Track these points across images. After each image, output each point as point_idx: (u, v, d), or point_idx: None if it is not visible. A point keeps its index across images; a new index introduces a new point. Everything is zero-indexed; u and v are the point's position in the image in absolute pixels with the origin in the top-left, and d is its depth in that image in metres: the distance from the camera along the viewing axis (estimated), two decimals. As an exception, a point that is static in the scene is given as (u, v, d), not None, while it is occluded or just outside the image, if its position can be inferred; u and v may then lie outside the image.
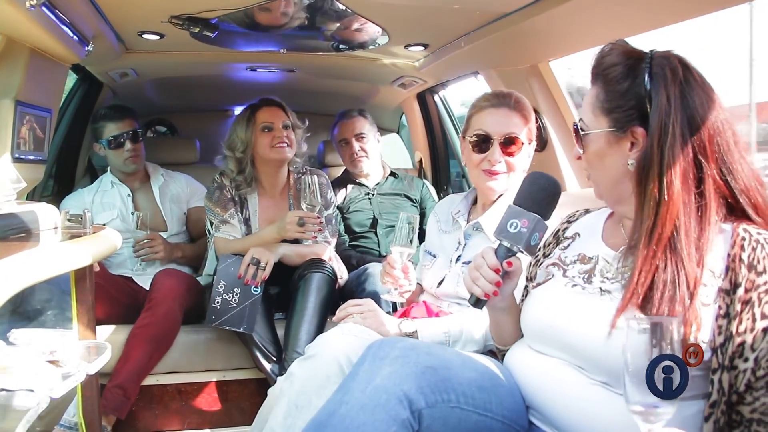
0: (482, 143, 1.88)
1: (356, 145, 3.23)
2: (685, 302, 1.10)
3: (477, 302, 1.36)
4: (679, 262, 1.13)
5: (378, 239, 3.22)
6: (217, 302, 2.43)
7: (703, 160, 1.17)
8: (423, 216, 3.21)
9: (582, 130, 1.30)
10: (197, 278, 2.81)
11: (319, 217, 2.44)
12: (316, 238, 2.53)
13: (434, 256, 2.04)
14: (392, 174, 3.39)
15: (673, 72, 1.19)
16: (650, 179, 1.17)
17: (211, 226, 2.70)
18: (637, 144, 1.22)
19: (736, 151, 1.19)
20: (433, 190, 3.65)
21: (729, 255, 1.13)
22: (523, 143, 1.89)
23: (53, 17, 1.86)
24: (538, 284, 1.41)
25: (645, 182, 1.19)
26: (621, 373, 0.99)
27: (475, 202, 2.05)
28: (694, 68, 1.22)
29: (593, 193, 1.39)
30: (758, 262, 1.10)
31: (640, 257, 1.16)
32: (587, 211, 1.51)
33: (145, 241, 2.74)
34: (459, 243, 1.97)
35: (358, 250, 3.20)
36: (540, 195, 1.34)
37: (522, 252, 1.33)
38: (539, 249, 1.53)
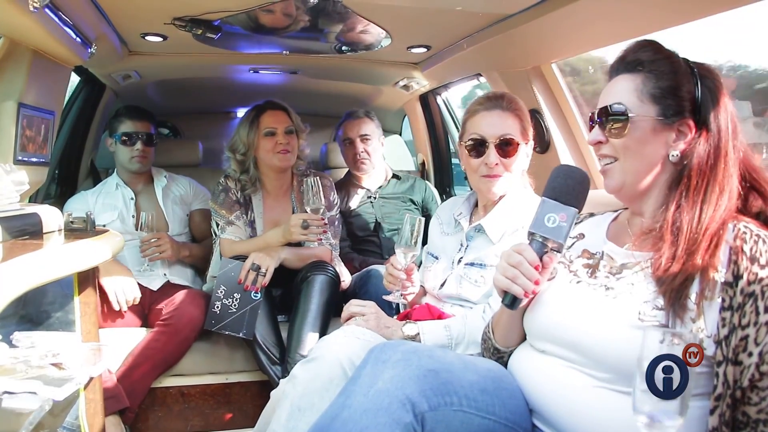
0: (478, 147, 1.88)
1: (360, 146, 3.22)
2: (706, 295, 1.13)
3: (513, 302, 1.29)
4: (702, 250, 1.16)
5: (380, 242, 3.21)
6: (217, 307, 2.44)
7: (742, 164, 1.26)
8: (427, 219, 3.20)
9: (627, 113, 1.27)
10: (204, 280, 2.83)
11: (322, 219, 2.44)
12: (321, 240, 2.53)
13: (436, 258, 2.04)
14: (395, 176, 3.39)
15: (720, 82, 1.27)
16: (714, 173, 1.23)
17: (217, 228, 2.70)
18: (683, 136, 1.26)
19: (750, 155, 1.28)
20: (435, 192, 3.64)
21: (731, 248, 1.15)
22: (518, 144, 1.88)
23: (56, 19, 1.86)
24: None
25: (706, 174, 1.23)
26: (632, 378, 0.99)
27: (476, 204, 2.05)
28: None
29: (597, 196, 1.38)
30: (761, 255, 1.12)
31: (678, 245, 1.19)
32: (591, 215, 1.52)
33: (152, 240, 2.74)
34: (461, 245, 1.97)
35: (361, 253, 3.19)
36: (578, 188, 1.30)
37: (559, 248, 1.28)
38: None
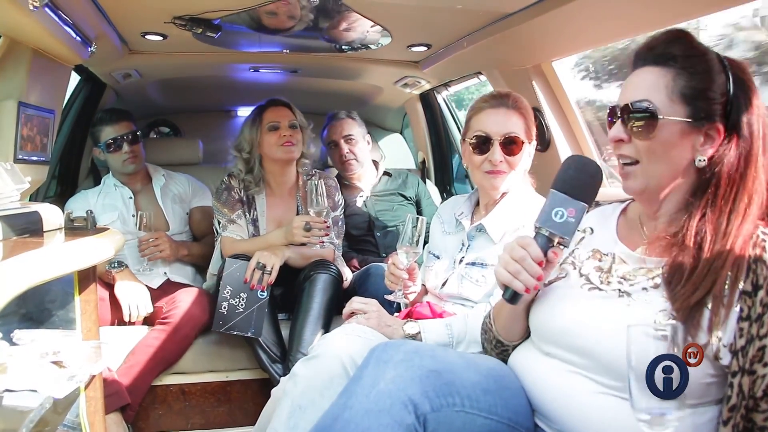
0: (482, 144, 1.88)
1: (345, 147, 3.21)
2: (720, 307, 1.09)
3: (513, 297, 1.25)
4: (728, 265, 1.12)
5: (376, 241, 3.21)
6: (224, 308, 2.43)
7: None
8: (419, 213, 3.20)
9: (656, 114, 1.18)
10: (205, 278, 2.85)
11: (325, 221, 2.44)
12: (323, 242, 2.53)
13: (438, 258, 2.04)
14: (386, 173, 3.39)
15: (751, 77, 1.19)
16: (743, 181, 1.16)
17: (219, 225, 2.70)
18: (710, 140, 1.19)
19: None
20: (434, 188, 3.64)
21: (750, 256, 1.11)
22: (523, 142, 1.89)
23: (56, 18, 1.86)
24: (550, 282, 1.37)
25: (733, 183, 1.17)
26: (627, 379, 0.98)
27: (478, 203, 2.05)
28: None
29: (601, 191, 1.36)
30: None
31: (699, 252, 1.15)
32: (597, 204, 1.46)
33: (150, 240, 2.74)
34: (462, 244, 1.97)
35: (359, 253, 3.19)
36: (588, 181, 1.24)
37: (563, 242, 1.23)
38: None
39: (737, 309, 1.08)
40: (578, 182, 1.23)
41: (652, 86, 1.20)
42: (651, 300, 1.18)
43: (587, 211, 1.25)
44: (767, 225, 1.17)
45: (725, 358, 1.08)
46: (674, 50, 1.19)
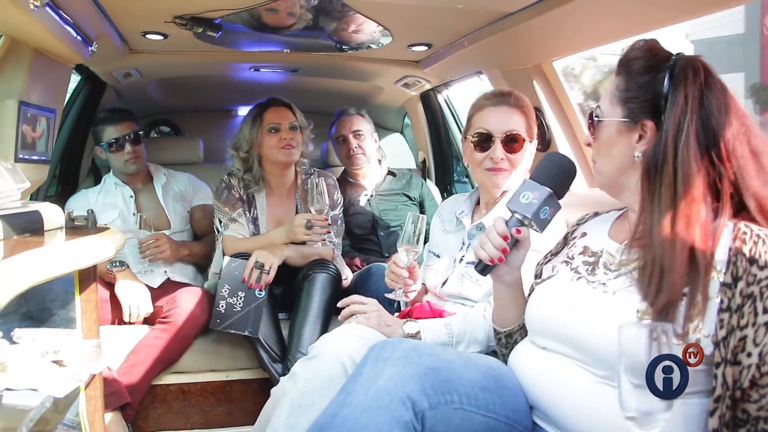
0: (484, 142, 1.89)
1: (353, 142, 3.21)
2: (696, 299, 1.11)
3: (483, 269, 1.41)
4: (690, 258, 1.13)
5: (379, 240, 3.21)
6: (222, 306, 2.44)
7: (718, 162, 1.18)
8: (422, 213, 3.20)
9: (597, 117, 1.33)
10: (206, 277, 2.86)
11: (326, 219, 2.44)
12: (324, 240, 2.53)
13: (438, 256, 2.04)
14: (390, 173, 3.39)
15: (695, 74, 1.21)
16: (662, 174, 1.19)
17: (220, 224, 2.71)
18: (645, 137, 1.25)
19: (752, 160, 1.19)
20: (434, 188, 3.64)
21: (731, 249, 1.13)
22: (524, 140, 1.89)
23: (57, 17, 1.86)
24: (543, 280, 1.43)
25: (654, 176, 1.21)
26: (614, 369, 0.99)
27: (478, 202, 2.05)
28: (716, 75, 1.23)
29: (599, 193, 1.39)
30: (759, 256, 1.10)
31: (652, 250, 1.17)
32: (596, 214, 1.52)
33: (150, 241, 2.74)
34: (463, 243, 1.97)
35: (361, 252, 3.19)
36: (555, 171, 1.39)
37: (532, 224, 1.36)
38: (548, 251, 1.54)
39: (717, 300, 1.11)
40: (546, 171, 1.40)
41: (604, 94, 1.34)
42: (634, 290, 1.20)
43: (578, 217, 1.38)
44: (754, 221, 1.18)
45: (706, 349, 1.10)
46: (625, 59, 1.29)
